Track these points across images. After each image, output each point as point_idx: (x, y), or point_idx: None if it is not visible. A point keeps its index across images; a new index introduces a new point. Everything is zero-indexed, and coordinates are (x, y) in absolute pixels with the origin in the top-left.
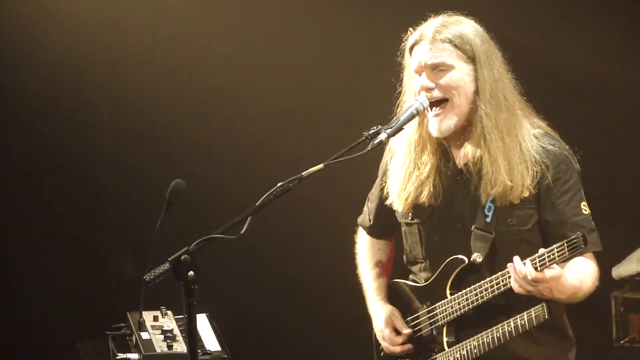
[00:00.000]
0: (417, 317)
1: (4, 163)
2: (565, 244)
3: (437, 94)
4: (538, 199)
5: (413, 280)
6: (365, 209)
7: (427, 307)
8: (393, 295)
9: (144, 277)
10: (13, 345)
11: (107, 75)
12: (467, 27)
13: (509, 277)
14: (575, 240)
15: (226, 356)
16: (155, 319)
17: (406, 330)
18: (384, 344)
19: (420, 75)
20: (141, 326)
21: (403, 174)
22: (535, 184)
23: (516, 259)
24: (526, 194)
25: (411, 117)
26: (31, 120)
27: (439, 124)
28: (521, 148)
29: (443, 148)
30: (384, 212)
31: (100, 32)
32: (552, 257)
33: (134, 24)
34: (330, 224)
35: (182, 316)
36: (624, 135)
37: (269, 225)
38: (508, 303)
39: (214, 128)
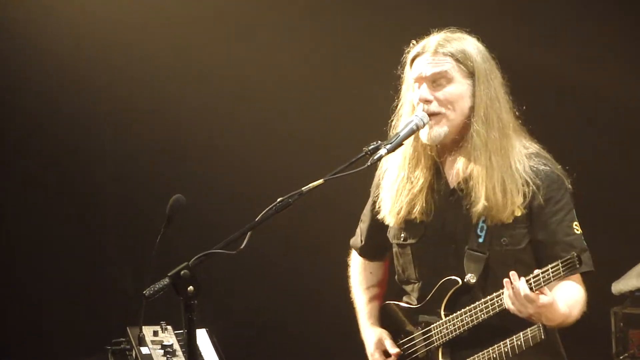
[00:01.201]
0: (412, 339)
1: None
2: (560, 264)
3: (434, 107)
4: (530, 219)
5: (406, 302)
6: (358, 230)
7: (422, 329)
8: (386, 318)
9: (144, 292)
10: None
11: (108, 81)
12: (469, 43)
13: (501, 299)
14: (570, 260)
15: None
16: (155, 333)
17: (394, 351)
18: None
19: (419, 86)
20: (141, 341)
21: (396, 188)
22: (527, 204)
23: (513, 274)
24: (518, 213)
25: (411, 133)
26: (32, 128)
27: (430, 129)
28: (511, 168)
29: (436, 165)
30: (376, 231)
31: (101, 33)
32: (547, 277)
33: (135, 25)
34: (330, 237)
35: (182, 331)
36: (623, 151)
37: (270, 240)
38: (503, 324)
39: (215, 143)
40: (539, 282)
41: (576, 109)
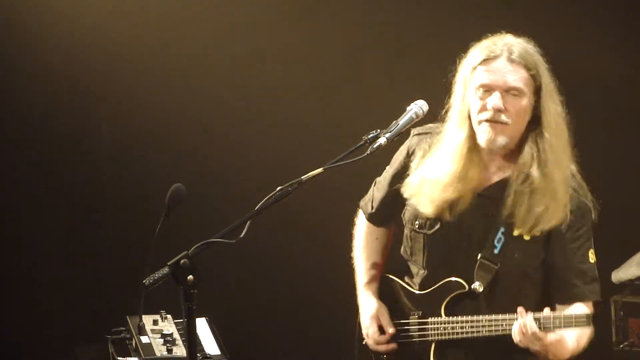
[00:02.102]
0: (407, 324)
1: (6, 168)
2: (574, 318)
3: (504, 118)
4: (548, 240)
5: (407, 284)
6: (370, 194)
7: (418, 317)
8: (384, 291)
9: (144, 281)
10: (12, 349)
11: (105, 79)
12: (536, 54)
13: (510, 324)
14: (584, 319)
15: None
16: (155, 322)
17: (391, 330)
18: (367, 341)
19: (485, 91)
20: (141, 330)
21: (447, 180)
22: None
23: (521, 310)
24: (538, 233)
25: (410, 121)
26: (30, 125)
27: (493, 135)
28: (557, 191)
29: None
30: (390, 203)
31: (99, 34)
32: (557, 324)
33: (133, 26)
34: (333, 226)
35: (181, 320)
36: (625, 138)
37: (269, 228)
38: (504, 341)
39: (214, 132)
40: (548, 324)
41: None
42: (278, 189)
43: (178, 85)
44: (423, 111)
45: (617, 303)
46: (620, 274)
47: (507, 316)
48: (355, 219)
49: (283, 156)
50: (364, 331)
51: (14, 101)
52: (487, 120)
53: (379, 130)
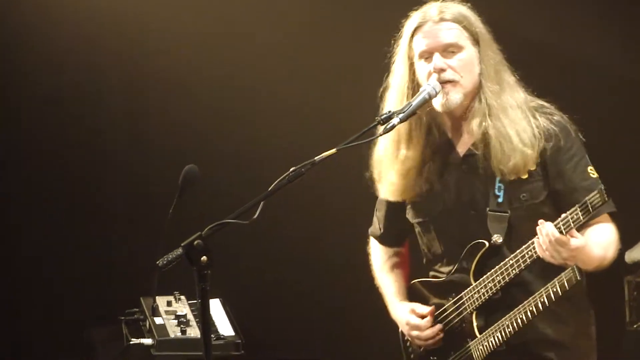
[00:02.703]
0: (444, 311)
1: (19, 151)
2: (588, 201)
3: (449, 75)
4: (545, 170)
5: (433, 277)
6: (375, 218)
7: (453, 299)
8: (414, 296)
9: (157, 262)
10: (26, 330)
11: (118, 70)
12: (467, 10)
13: (533, 249)
14: (594, 197)
15: (240, 341)
16: (169, 304)
17: (428, 310)
18: (412, 336)
19: (427, 58)
20: (154, 311)
21: (403, 167)
22: (540, 155)
23: (541, 222)
24: (532, 167)
25: (423, 102)
26: (42, 113)
27: (445, 98)
28: (523, 122)
29: (444, 139)
30: (393, 216)
31: (109, 29)
32: (575, 217)
33: (144, 20)
34: (348, 207)
35: (195, 301)
36: (636, 119)
37: (283, 209)
38: (535, 278)
39: (227, 114)
40: (568, 224)
41: (575, 82)
42: (292, 169)
43: (191, 68)
44: (436, 92)
45: (630, 283)
46: (634, 254)
47: (527, 244)
48: (367, 249)
49: (297, 137)
50: (405, 330)
51: (20, 95)
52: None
53: (391, 110)
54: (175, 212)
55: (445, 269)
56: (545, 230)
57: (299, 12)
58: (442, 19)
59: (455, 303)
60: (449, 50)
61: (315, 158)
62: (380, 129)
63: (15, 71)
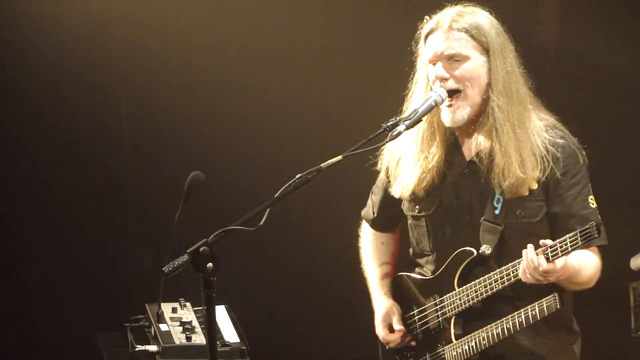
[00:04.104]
0: (424, 310)
1: (23, 158)
2: (579, 234)
3: (451, 84)
4: (547, 192)
5: (419, 273)
6: (369, 201)
7: (435, 300)
8: (398, 289)
9: (163, 269)
10: (32, 337)
11: (124, 72)
12: (483, 18)
13: (517, 270)
14: (588, 230)
15: (245, 348)
16: (174, 310)
17: (398, 327)
18: (380, 335)
19: (434, 64)
20: (160, 318)
21: (411, 163)
22: (544, 177)
23: (530, 247)
24: (535, 186)
25: (430, 109)
26: (47, 117)
27: (453, 114)
28: (531, 141)
29: (452, 139)
30: (389, 204)
31: (116, 28)
32: (564, 247)
33: (148, 20)
34: (352, 214)
35: (200, 308)
36: (638, 125)
37: (288, 216)
38: (517, 295)
39: (233, 121)
40: (556, 252)
41: (590, 85)
42: (297, 176)
43: (197, 75)
44: (442, 99)
45: (635, 290)
46: (639, 261)
47: (514, 263)
48: (358, 231)
49: (303, 144)
50: (376, 330)
51: (24, 99)
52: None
53: (397, 117)
54: (181, 219)
55: (431, 267)
56: (530, 256)
57: (309, 18)
58: (451, 28)
59: (436, 305)
60: (454, 59)
61: (321, 165)
62: (387, 136)
63: (15, 71)
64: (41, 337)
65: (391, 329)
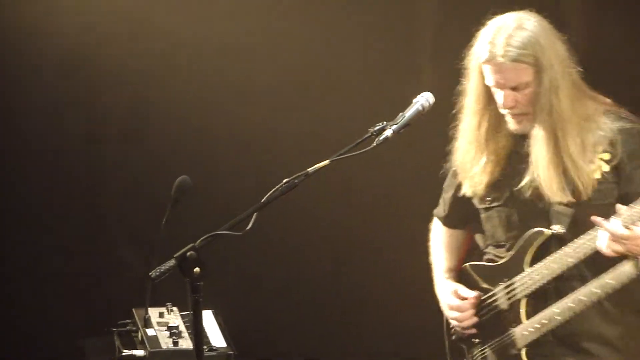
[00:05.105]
0: (493, 295)
1: (9, 158)
2: None
3: (519, 110)
4: (618, 174)
5: (488, 260)
6: (441, 200)
7: (504, 284)
8: (465, 279)
9: (150, 274)
10: (16, 342)
11: (112, 73)
12: (531, 33)
13: (593, 240)
14: None
15: (232, 352)
16: (161, 315)
17: (473, 294)
18: (452, 318)
19: (497, 87)
20: (147, 322)
21: (478, 159)
22: (615, 160)
23: (595, 219)
24: (606, 168)
25: (416, 114)
26: (35, 118)
27: (519, 124)
28: (594, 128)
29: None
30: (459, 201)
31: (108, 31)
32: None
33: (142, 22)
34: (341, 220)
35: (188, 312)
36: None
37: (275, 220)
38: (591, 272)
39: (220, 125)
40: (628, 219)
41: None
42: (284, 181)
43: (184, 79)
44: (429, 103)
45: None
46: None
47: (588, 233)
48: (429, 225)
49: (290, 148)
50: (446, 312)
51: (17, 95)
52: (507, 113)
53: (385, 122)
54: (168, 223)
55: (505, 254)
56: (612, 228)
57: (293, 24)
58: (507, 57)
59: (506, 287)
60: (517, 88)
61: (309, 169)
62: (374, 141)
63: (15, 71)
64: (26, 342)
65: (462, 299)
